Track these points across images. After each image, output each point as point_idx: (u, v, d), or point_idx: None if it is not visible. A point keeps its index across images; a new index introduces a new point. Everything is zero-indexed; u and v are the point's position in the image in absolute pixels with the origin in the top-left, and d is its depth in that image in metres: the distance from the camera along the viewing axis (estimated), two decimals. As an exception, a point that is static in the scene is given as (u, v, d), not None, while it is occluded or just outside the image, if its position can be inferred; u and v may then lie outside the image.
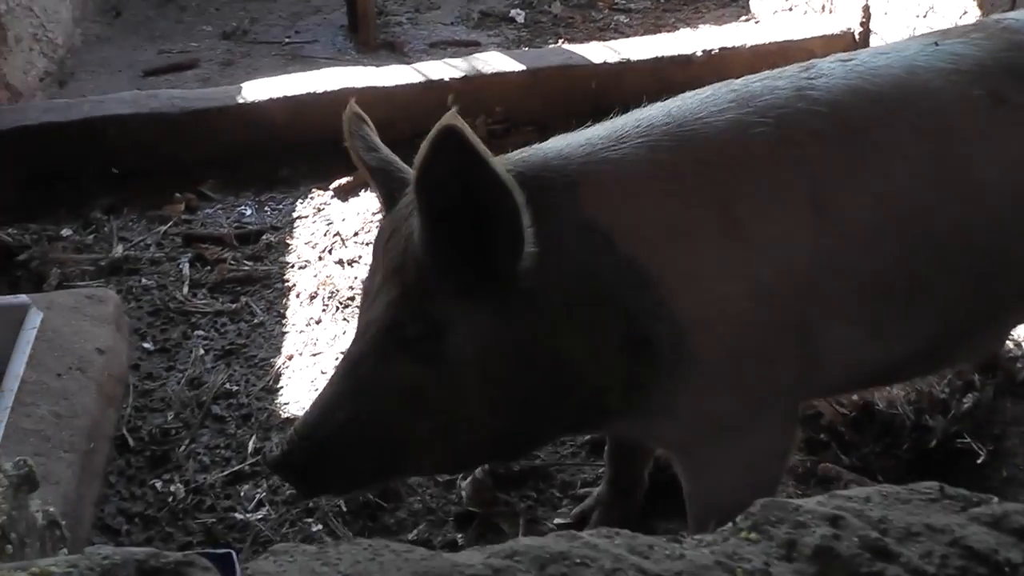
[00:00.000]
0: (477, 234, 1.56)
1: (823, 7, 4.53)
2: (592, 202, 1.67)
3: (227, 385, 2.97)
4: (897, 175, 1.76)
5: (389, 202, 1.81)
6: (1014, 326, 2.29)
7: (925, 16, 3.69)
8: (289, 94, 4.02)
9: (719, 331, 1.71)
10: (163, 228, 3.69)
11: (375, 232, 3.61)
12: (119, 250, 3.53)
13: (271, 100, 4.01)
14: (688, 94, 1.84)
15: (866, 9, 4.17)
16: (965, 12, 3.43)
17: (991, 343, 2.33)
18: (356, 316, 3.16)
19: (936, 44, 1.88)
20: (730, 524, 0.68)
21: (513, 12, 5.66)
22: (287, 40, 5.50)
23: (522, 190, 1.54)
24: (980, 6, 3.38)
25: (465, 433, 1.73)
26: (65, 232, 3.62)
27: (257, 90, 4.06)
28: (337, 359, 3.05)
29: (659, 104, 1.84)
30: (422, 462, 1.82)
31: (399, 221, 1.70)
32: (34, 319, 2.75)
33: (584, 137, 1.78)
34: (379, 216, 3.69)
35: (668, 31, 5.07)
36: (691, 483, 1.95)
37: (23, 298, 2.84)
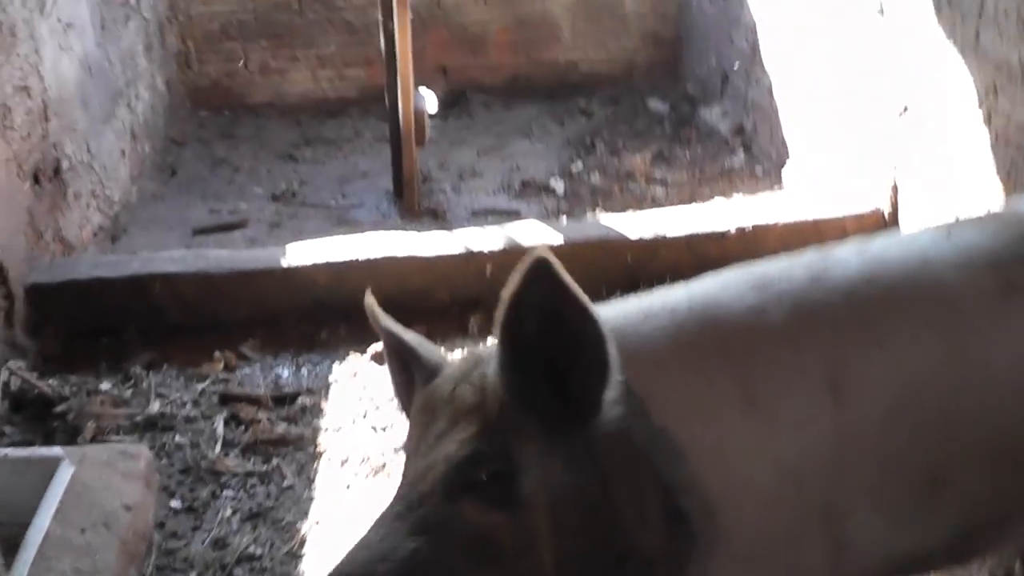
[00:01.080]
0: (562, 367, 1.55)
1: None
2: (627, 366, 1.63)
3: (251, 548, 2.96)
4: (911, 362, 1.76)
5: (401, 366, 1.84)
6: None
7: (952, 199, 3.76)
8: (332, 260, 4.12)
9: (747, 510, 1.67)
10: (200, 386, 3.74)
11: (409, 397, 3.67)
12: (155, 406, 3.58)
13: (314, 265, 4.11)
14: (709, 277, 1.86)
15: (894, 188, 4.26)
16: (990, 193, 3.50)
17: None
18: (388, 481, 3.21)
19: (949, 234, 1.92)
20: None
21: (553, 182, 5.83)
22: (334, 204, 5.68)
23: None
24: (1005, 187, 3.44)
25: None
26: (104, 386, 3.69)
27: (301, 254, 4.17)
28: (366, 525, 3.04)
29: (682, 285, 1.85)
30: None
31: (465, 374, 1.67)
32: (64, 473, 2.78)
33: (616, 309, 1.78)
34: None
35: (703, 202, 5.18)
36: None
37: (57, 451, 2.89)
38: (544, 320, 1.52)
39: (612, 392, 1.57)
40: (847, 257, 1.87)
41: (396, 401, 1.93)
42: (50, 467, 2.81)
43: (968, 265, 1.84)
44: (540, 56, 7.53)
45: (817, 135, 5.02)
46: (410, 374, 1.81)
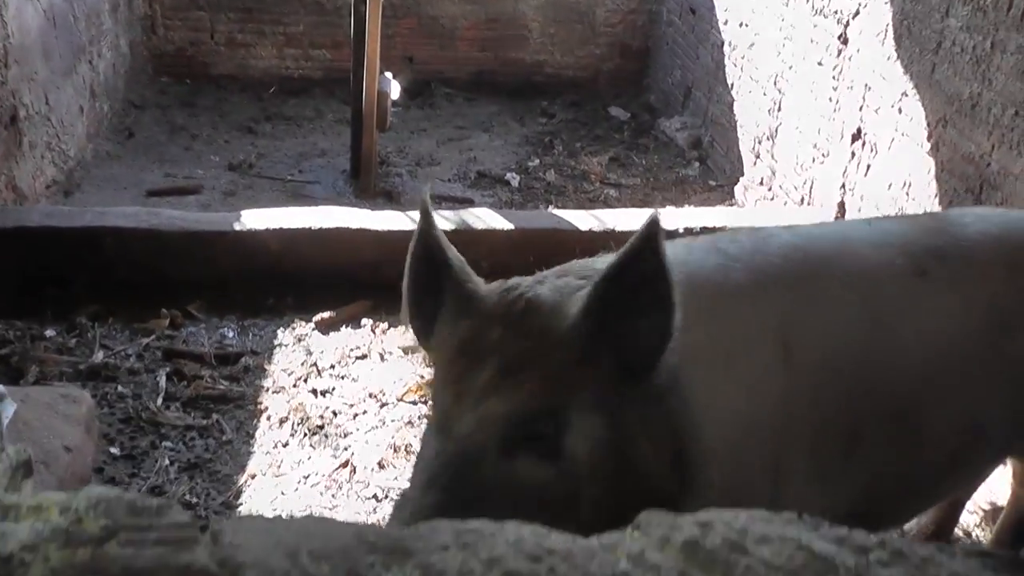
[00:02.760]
0: (638, 328, 1.58)
1: (802, 199, 4.76)
2: None
3: (187, 497, 3.00)
4: (836, 324, 1.90)
5: (419, 297, 1.76)
6: (954, 490, 2.41)
7: (896, 214, 3.90)
8: (285, 226, 4.15)
9: (724, 459, 1.74)
10: (145, 340, 3.77)
11: (351, 366, 3.73)
12: (99, 356, 3.60)
13: (267, 230, 4.14)
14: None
15: (841, 205, 4.39)
16: (930, 208, 3.64)
17: (925, 504, 2.41)
18: (325, 442, 3.27)
19: (869, 223, 2.13)
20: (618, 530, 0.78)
21: (509, 175, 5.91)
22: (289, 178, 5.71)
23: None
24: (942, 205, 3.59)
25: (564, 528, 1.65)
26: (49, 333, 3.70)
27: (254, 219, 4.19)
28: (300, 482, 3.10)
29: None
30: None
31: (512, 319, 1.63)
32: (7, 409, 2.79)
33: None
34: (358, 350, 3.80)
35: (655, 207, 5.29)
36: None
37: (0, 388, 2.89)
38: (642, 281, 1.56)
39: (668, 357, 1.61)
40: (778, 232, 2.04)
41: (409, 328, 1.83)
42: (-9, 403, 2.82)
43: (885, 246, 2.03)
44: (507, 55, 7.62)
45: (772, 154, 5.15)
46: (435, 298, 1.73)
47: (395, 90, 7.67)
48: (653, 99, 7.22)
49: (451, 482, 1.56)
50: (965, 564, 0.71)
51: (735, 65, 5.66)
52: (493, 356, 1.60)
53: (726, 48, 5.80)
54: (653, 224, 1.52)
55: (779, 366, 1.79)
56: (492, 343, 1.61)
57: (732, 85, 5.70)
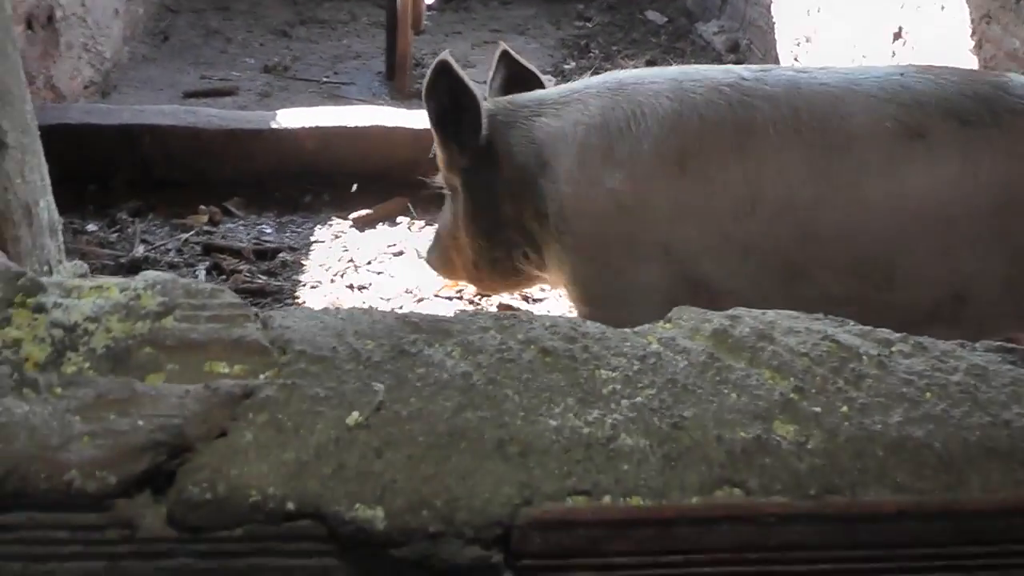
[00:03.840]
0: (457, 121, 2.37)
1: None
2: (540, 126, 2.36)
3: (228, 384, 3.06)
4: (783, 166, 2.11)
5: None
6: None
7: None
8: (321, 124, 4.17)
9: (583, 220, 2.31)
10: (185, 236, 3.82)
11: (387, 263, 3.77)
12: (140, 250, 3.66)
13: (303, 128, 4.16)
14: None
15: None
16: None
17: None
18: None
19: (901, 75, 2.15)
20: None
21: (544, 79, 5.85)
22: (324, 79, 5.71)
23: (503, 110, 2.43)
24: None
25: (461, 250, 2.62)
26: (91, 227, 3.76)
27: (291, 118, 4.21)
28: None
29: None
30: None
31: None
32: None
33: (555, 90, 2.52)
34: (394, 247, 3.84)
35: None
36: None
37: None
38: (445, 96, 2.36)
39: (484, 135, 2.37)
40: (792, 73, 2.26)
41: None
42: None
43: (885, 104, 2.08)
44: (542, -44, 7.50)
45: (811, 57, 5.08)
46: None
47: (429, -6, 7.61)
48: (690, 2, 7.10)
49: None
50: (984, 357, 0.73)
51: (773, -38, 5.56)
52: None
53: (764, -55, 5.69)
54: (442, 61, 2.32)
55: (672, 175, 2.19)
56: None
57: (769, -16, 5.60)
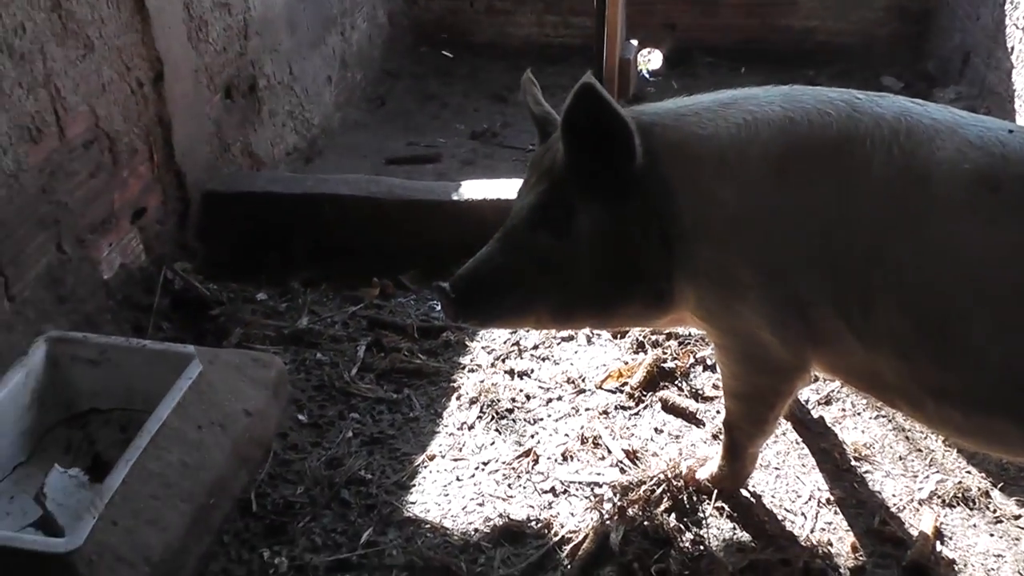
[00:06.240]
0: (602, 150, 2.25)
1: None
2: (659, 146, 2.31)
3: (363, 472, 2.93)
4: (868, 183, 2.09)
5: (543, 136, 2.53)
6: None
7: None
8: (503, 196, 4.03)
9: (704, 243, 2.31)
10: (353, 309, 3.76)
11: (554, 348, 3.56)
12: (304, 322, 3.62)
13: (485, 200, 4.04)
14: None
15: None
16: None
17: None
18: (512, 426, 3.13)
19: (1011, 131, 2.07)
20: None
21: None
22: (531, 147, 5.58)
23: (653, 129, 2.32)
24: None
25: (574, 290, 2.42)
26: (261, 296, 3.76)
27: (474, 189, 4.11)
28: (479, 468, 2.97)
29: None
30: (542, 309, 2.49)
31: (550, 145, 2.43)
32: (192, 370, 2.83)
33: (665, 107, 2.47)
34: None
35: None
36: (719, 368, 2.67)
37: (190, 349, 2.93)
38: (588, 121, 2.22)
39: (638, 169, 2.27)
40: (896, 99, 2.26)
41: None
42: (182, 363, 2.86)
43: (979, 149, 2.02)
44: (775, 21, 7.17)
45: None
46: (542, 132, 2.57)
47: (655, 60, 7.41)
48: (931, 67, 6.55)
49: (500, 242, 2.48)
50: None
51: (1016, 26, 4.99)
52: (535, 168, 2.47)
53: (1007, 6, 5.13)
54: (585, 84, 2.16)
55: (772, 186, 2.19)
56: (537, 161, 2.49)
57: (1012, 49, 5.03)
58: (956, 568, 2.61)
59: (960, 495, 2.84)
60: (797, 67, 6.85)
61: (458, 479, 2.93)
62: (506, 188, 4.09)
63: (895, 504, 2.82)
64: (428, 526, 2.75)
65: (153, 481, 2.56)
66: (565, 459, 3.00)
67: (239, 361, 3.08)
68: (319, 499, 2.83)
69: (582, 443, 3.05)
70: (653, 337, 3.53)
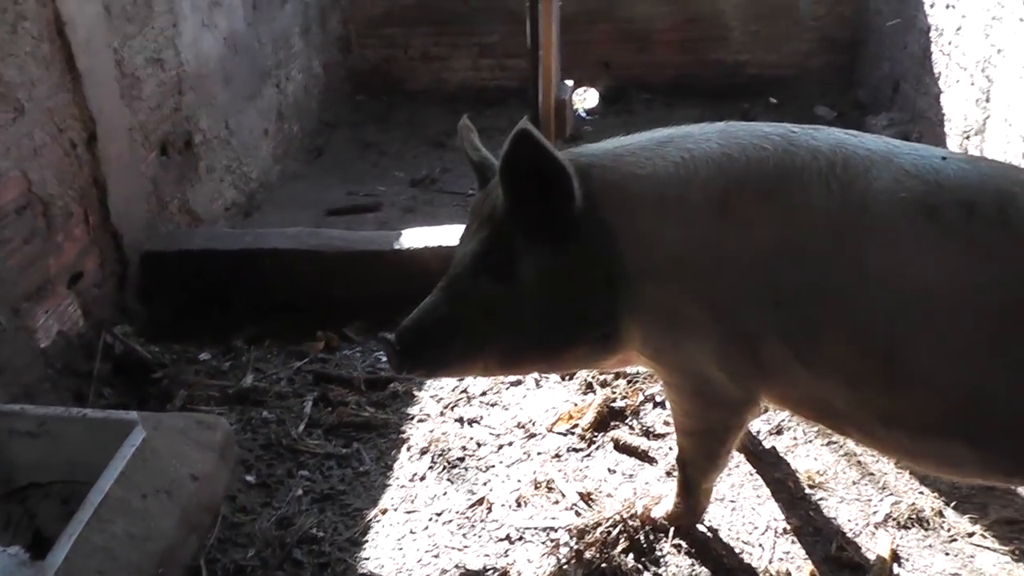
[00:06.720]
0: (541, 194, 2.22)
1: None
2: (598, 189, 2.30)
3: (314, 530, 2.88)
4: (806, 214, 2.11)
5: (482, 181, 2.53)
6: None
7: None
8: (445, 244, 4.01)
9: (648, 284, 2.31)
10: (298, 364, 3.71)
11: (503, 393, 3.54)
12: (249, 380, 3.57)
13: (427, 248, 4.03)
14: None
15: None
16: None
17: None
18: (463, 475, 3.09)
19: (943, 158, 2.10)
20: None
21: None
22: (471, 192, 5.59)
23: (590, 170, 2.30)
24: None
25: (521, 336, 2.40)
26: (203, 356, 3.70)
27: (415, 238, 4.09)
28: (432, 519, 2.93)
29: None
30: (489, 356, 2.46)
31: (490, 191, 2.40)
32: (135, 437, 2.76)
33: (600, 148, 2.46)
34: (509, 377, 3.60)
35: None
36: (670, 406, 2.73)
37: (132, 415, 2.86)
38: (527, 168, 2.19)
39: (578, 212, 2.26)
40: (831, 131, 2.24)
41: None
42: (124, 430, 2.80)
43: (914, 177, 2.04)
44: (707, 56, 7.27)
45: (980, 149, 4.60)
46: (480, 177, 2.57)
47: (592, 98, 7.46)
48: (862, 95, 6.68)
49: (444, 291, 2.46)
50: None
51: (942, 52, 5.11)
52: (476, 215, 2.45)
53: (932, 33, 5.25)
54: (521, 129, 2.12)
55: (715, 222, 2.19)
56: (477, 208, 2.46)
57: (939, 75, 5.15)
58: (914, 592, 2.62)
59: (914, 516, 2.85)
60: (732, 100, 6.95)
61: (412, 532, 2.89)
62: (448, 235, 4.08)
63: (851, 529, 2.82)
64: (383, 582, 2.71)
65: (98, 555, 2.48)
66: (519, 505, 2.97)
67: (183, 425, 3.02)
68: (271, 560, 2.77)
69: (535, 488, 3.03)
70: (602, 377, 3.52)
